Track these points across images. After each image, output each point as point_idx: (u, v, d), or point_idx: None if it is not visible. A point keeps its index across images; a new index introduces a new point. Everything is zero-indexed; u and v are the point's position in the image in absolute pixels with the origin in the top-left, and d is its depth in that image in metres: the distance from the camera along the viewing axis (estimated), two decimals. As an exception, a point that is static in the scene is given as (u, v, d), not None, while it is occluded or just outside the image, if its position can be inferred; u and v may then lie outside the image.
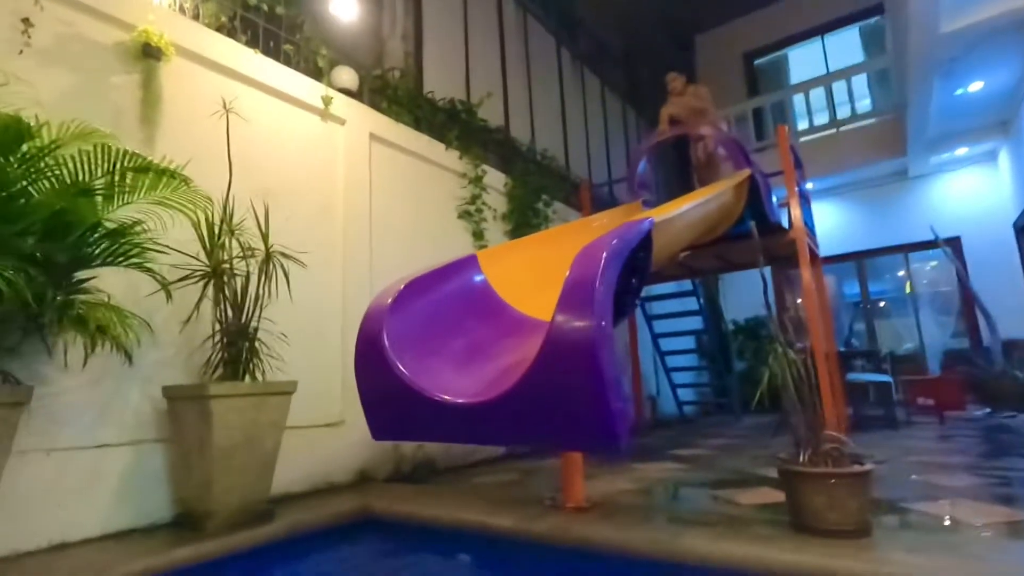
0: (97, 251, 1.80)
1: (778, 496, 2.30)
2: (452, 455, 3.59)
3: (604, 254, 1.59)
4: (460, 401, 1.67)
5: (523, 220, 4.66)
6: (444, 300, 2.26)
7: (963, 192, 7.27)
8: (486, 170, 4.35)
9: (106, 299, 1.88)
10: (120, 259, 1.86)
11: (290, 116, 3.07)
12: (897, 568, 1.35)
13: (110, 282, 2.03)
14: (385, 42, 4.05)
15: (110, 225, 1.84)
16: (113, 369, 2.15)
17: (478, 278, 2.45)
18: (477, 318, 2.30)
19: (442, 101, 4.29)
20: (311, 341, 2.90)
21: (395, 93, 3.85)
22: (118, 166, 1.72)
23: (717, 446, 4.16)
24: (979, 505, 2.03)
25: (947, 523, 1.83)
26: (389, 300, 2.02)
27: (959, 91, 5.56)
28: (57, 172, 1.70)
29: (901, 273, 8.00)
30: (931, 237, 6.92)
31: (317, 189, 3.14)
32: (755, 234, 2.37)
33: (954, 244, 7.07)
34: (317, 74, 3.28)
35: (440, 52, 4.56)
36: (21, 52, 2.05)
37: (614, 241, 1.69)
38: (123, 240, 1.83)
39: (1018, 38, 4.58)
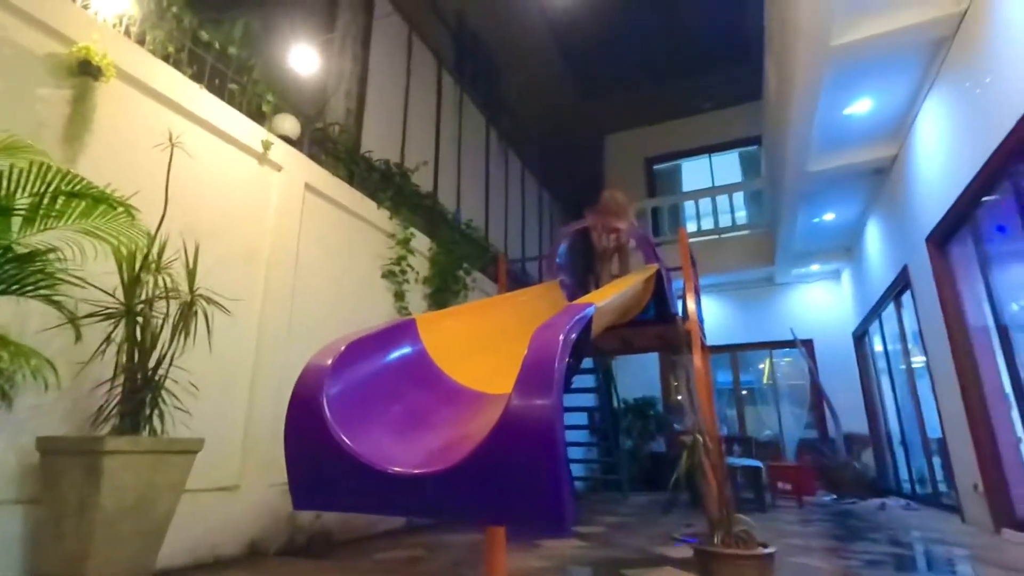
0: (0, 277, 1.59)
1: (683, 576, 2.43)
2: (351, 527, 3.36)
3: (561, 336, 1.70)
4: (404, 471, 1.63)
5: (443, 285, 4.72)
6: (383, 364, 2.21)
7: (816, 301, 8.49)
8: (414, 233, 4.41)
9: (-2, 332, 1.64)
10: (27, 288, 1.64)
11: (226, 156, 2.96)
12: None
13: (-4, 311, 1.78)
14: (329, 97, 4.08)
15: (20, 250, 1.64)
16: (-23, 413, 1.84)
17: (416, 344, 2.44)
18: (414, 385, 2.27)
19: (378, 162, 4.35)
20: (215, 395, 2.66)
21: (334, 147, 3.85)
22: (51, 188, 1.56)
23: (612, 524, 4.28)
24: (849, 586, 2.30)
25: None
26: (329, 360, 1.95)
27: (816, 219, 6.64)
28: (-29, 185, 1.51)
29: (761, 366, 9.02)
30: (791, 337, 7.94)
31: (243, 233, 3.00)
32: (680, 323, 2.60)
33: (808, 345, 8.15)
34: (259, 118, 3.21)
35: (380, 114, 4.66)
36: (-62, 47, 1.84)
37: (567, 324, 1.80)
38: (34, 268, 1.63)
39: (861, 184, 5.64)
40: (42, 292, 1.69)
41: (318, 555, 2.84)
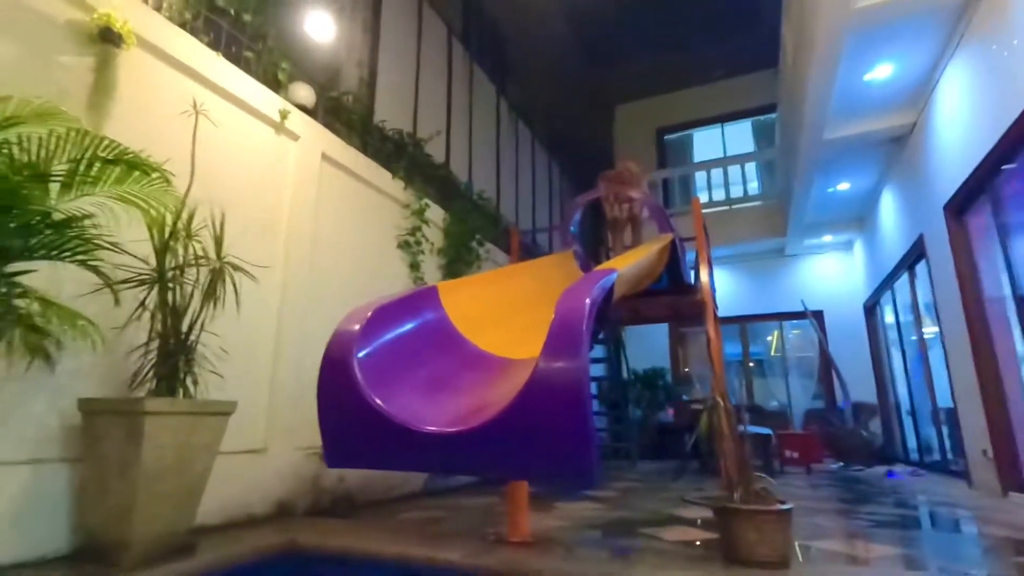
0: (41, 242, 1.62)
1: (698, 534, 2.51)
2: (372, 490, 3.47)
3: (587, 300, 1.73)
4: (438, 430, 1.69)
5: (457, 256, 4.75)
6: (407, 330, 2.26)
7: (827, 273, 8.45)
8: (428, 203, 4.41)
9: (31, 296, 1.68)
10: (65, 254, 1.68)
11: (244, 125, 2.96)
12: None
13: (30, 277, 1.81)
14: (341, 65, 4.04)
15: (58, 216, 1.68)
16: (18, 376, 1.90)
17: (438, 310, 2.48)
18: (438, 350, 2.32)
19: (391, 131, 4.33)
20: (241, 361, 2.73)
21: (348, 116, 3.84)
22: (88, 154, 1.58)
23: (624, 488, 4.38)
24: (862, 543, 2.37)
25: (845, 556, 2.11)
26: (357, 326, 2.00)
27: (830, 189, 6.57)
28: (7, 152, 1.53)
29: (770, 338, 9.05)
30: (801, 308, 7.94)
31: (263, 203, 3.02)
32: (706, 291, 2.61)
33: (819, 317, 8.15)
34: (275, 86, 3.20)
35: (392, 84, 4.61)
36: (-35, 14, 1.84)
37: (593, 289, 1.83)
38: (72, 233, 1.67)
39: (878, 152, 5.56)
40: (80, 257, 1.73)
41: (343, 515, 2.94)
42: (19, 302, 1.56)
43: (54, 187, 1.63)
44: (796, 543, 2.30)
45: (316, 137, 3.42)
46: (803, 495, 3.96)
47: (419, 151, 4.58)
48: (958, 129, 4.09)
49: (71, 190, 1.63)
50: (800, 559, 2.00)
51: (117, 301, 1.90)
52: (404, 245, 4.18)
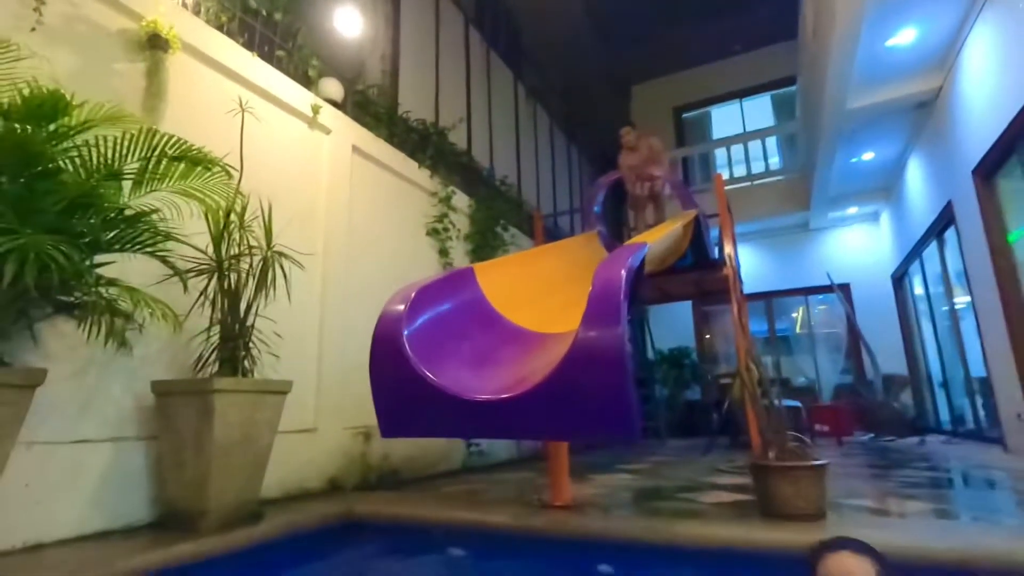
0: (117, 236, 1.77)
1: (734, 497, 2.59)
2: (414, 467, 3.62)
3: (623, 271, 1.82)
4: (486, 398, 1.80)
5: (483, 242, 4.85)
6: (447, 309, 2.37)
7: (853, 245, 8.36)
8: (454, 191, 4.52)
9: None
10: (138, 246, 1.83)
11: (281, 121, 3.09)
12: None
13: (106, 269, 1.97)
14: (365, 59, 4.14)
15: (129, 212, 1.82)
16: (98, 361, 2.07)
17: (475, 290, 2.59)
18: (477, 327, 2.43)
19: (415, 122, 4.43)
20: (291, 345, 2.87)
21: (375, 109, 3.95)
22: (156, 152, 1.72)
23: (656, 462, 4.47)
24: (896, 500, 2.43)
25: (880, 511, 2.18)
26: (402, 306, 2.12)
27: (854, 159, 6.50)
28: (85, 153, 1.67)
29: (795, 314, 9.01)
30: (827, 282, 7.89)
31: (302, 195, 3.16)
32: (730, 265, 2.67)
33: (845, 290, 8.08)
34: (305, 82, 3.32)
35: (413, 75, 4.71)
36: (33, 29, 1.98)
37: (627, 260, 1.92)
38: (143, 227, 1.81)
39: (903, 119, 5.49)
40: (150, 249, 1.87)
41: (389, 489, 3.10)
42: (107, 290, 1.71)
43: (126, 184, 1.76)
44: (832, 502, 2.37)
45: (346, 130, 3.53)
46: (836, 462, 4.00)
47: (443, 140, 4.67)
48: (986, 91, 4.03)
49: (141, 187, 1.77)
50: (834, 514, 2.08)
51: (186, 288, 2.05)
52: (433, 232, 4.30)
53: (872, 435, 6.66)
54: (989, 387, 4.80)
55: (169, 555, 1.74)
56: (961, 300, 5.52)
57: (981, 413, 5.42)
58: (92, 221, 1.67)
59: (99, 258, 1.75)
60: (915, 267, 6.85)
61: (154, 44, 2.35)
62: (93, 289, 1.64)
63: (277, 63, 3.15)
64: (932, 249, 6.01)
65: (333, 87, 3.50)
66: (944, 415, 6.68)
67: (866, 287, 8.08)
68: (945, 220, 5.24)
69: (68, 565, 1.62)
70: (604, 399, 1.64)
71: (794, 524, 1.83)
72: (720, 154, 9.24)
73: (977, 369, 5.21)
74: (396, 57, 4.50)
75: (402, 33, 4.59)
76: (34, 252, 1.30)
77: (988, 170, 4.22)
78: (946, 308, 6.02)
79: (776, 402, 2.18)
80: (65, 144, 1.61)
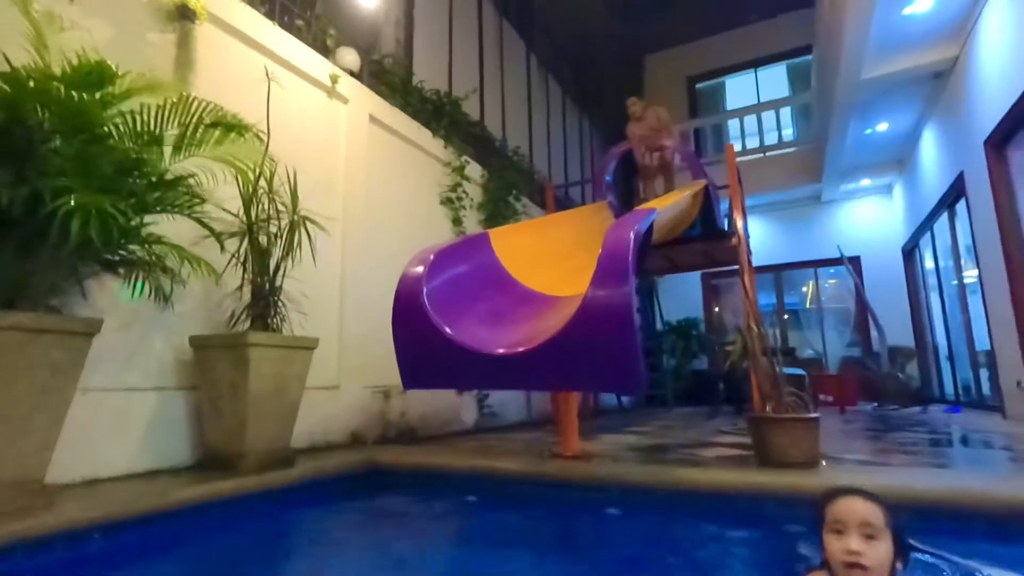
0: (158, 199, 1.90)
1: (735, 453, 2.74)
2: (429, 425, 3.80)
3: (631, 233, 1.92)
4: (503, 351, 1.94)
5: (496, 211, 4.95)
6: (464, 271, 2.50)
7: (865, 218, 8.35)
8: (468, 160, 4.60)
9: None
10: (176, 209, 1.96)
11: (301, 90, 3.18)
12: (845, 482, 1.78)
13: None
14: (380, 29, 4.19)
15: (169, 176, 1.94)
16: (142, 316, 2.23)
17: (490, 254, 2.71)
18: (492, 289, 2.56)
19: (429, 91, 4.49)
20: (314, 306, 3.02)
21: (390, 78, 4.01)
22: (194, 119, 1.83)
23: (662, 426, 4.64)
24: (889, 454, 2.57)
25: (869, 461, 2.32)
26: (422, 268, 2.25)
27: (868, 130, 6.46)
28: (130, 120, 1.79)
29: (805, 288, 9.05)
30: (837, 255, 7.91)
31: (322, 163, 3.27)
32: (740, 233, 2.76)
33: (855, 263, 8.10)
34: (324, 52, 3.40)
35: (427, 45, 4.75)
36: (72, 1, 2.08)
37: (636, 223, 2.02)
38: (182, 190, 1.94)
39: (918, 90, 5.45)
40: (186, 212, 2.00)
41: (407, 444, 3.28)
42: (156, 247, 1.85)
43: (166, 150, 1.88)
44: (827, 455, 2.51)
45: (363, 99, 3.62)
46: (836, 428, 4.14)
47: (456, 109, 4.73)
48: (1001, 60, 4.01)
49: (180, 152, 1.89)
50: (826, 463, 2.21)
51: (222, 248, 2.19)
52: (447, 201, 4.40)
53: (876, 404, 6.78)
54: (992, 359, 4.88)
55: (213, 490, 1.91)
56: (970, 274, 5.55)
57: (985, 385, 5.51)
58: (140, 183, 1.79)
59: (144, 219, 1.88)
60: (926, 240, 6.86)
61: (183, 14, 2.45)
62: (144, 247, 1.78)
63: (296, 33, 3.23)
64: (943, 221, 6.02)
65: (350, 57, 3.57)
66: (948, 386, 6.78)
67: (876, 260, 8.10)
68: (956, 191, 5.24)
69: (125, 494, 1.80)
70: (612, 352, 1.77)
71: (788, 471, 1.97)
72: (733, 125, 9.18)
73: (982, 343, 5.28)
74: (410, 26, 4.53)
75: (415, 2, 4.61)
76: (95, 209, 1.43)
77: (1000, 141, 4.22)
78: (955, 282, 6.06)
79: (776, 359, 2.29)
80: (111, 111, 1.72)
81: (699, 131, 9.21)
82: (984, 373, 5.55)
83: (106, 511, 1.62)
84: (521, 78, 6.46)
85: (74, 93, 1.53)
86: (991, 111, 4.20)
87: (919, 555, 1.31)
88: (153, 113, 1.79)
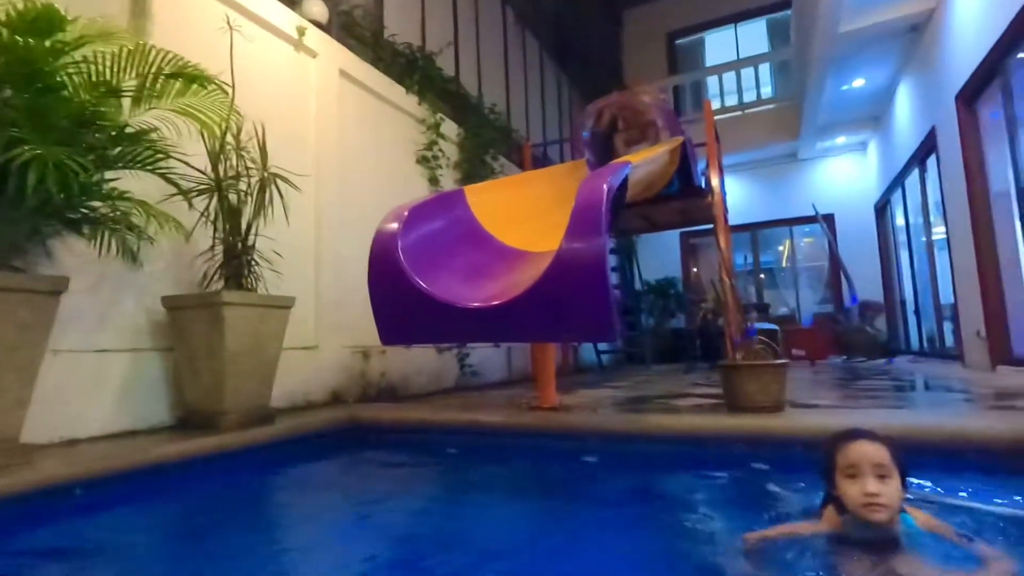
0: (119, 154, 1.84)
1: (707, 402, 2.83)
2: (410, 384, 3.84)
3: (605, 185, 1.93)
4: (478, 304, 1.96)
5: (472, 171, 4.88)
6: (439, 227, 2.49)
7: (840, 175, 8.45)
8: (443, 118, 4.51)
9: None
10: (139, 164, 1.90)
11: (267, 43, 3.06)
12: (809, 424, 1.86)
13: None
14: (349, -22, 4.01)
15: (130, 130, 1.88)
16: (111, 277, 2.18)
17: (465, 210, 2.70)
18: (467, 245, 2.56)
19: (401, 45, 4.35)
20: (288, 266, 2.98)
21: (360, 32, 3.88)
22: (153, 68, 1.76)
23: (640, 381, 4.75)
24: (851, 400, 2.68)
25: (833, 406, 2.43)
26: (396, 224, 2.23)
27: (845, 86, 6.46)
28: (84, 69, 1.71)
29: (781, 248, 9.21)
30: (812, 212, 8.02)
31: (291, 119, 3.18)
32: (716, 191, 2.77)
33: (830, 220, 8.23)
34: (289, 2, 3.26)
35: (398, -5, 4.57)
36: (13, -60, 1.95)
37: (610, 177, 2.02)
38: (145, 145, 1.88)
39: (895, 44, 5.45)
40: (150, 167, 1.95)
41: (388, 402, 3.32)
42: (121, 204, 1.80)
43: (125, 103, 1.81)
44: (793, 401, 2.61)
45: (333, 54, 3.50)
46: (805, 379, 4.29)
47: (430, 65, 4.60)
48: (975, 11, 4.02)
49: (140, 104, 1.82)
50: (792, 408, 2.31)
51: (190, 205, 2.14)
52: (423, 160, 4.32)
53: (845, 357, 7.02)
54: (956, 312, 5.06)
55: (195, 446, 1.93)
56: (939, 231, 5.69)
57: (948, 337, 5.74)
58: (98, 136, 1.73)
59: (105, 175, 1.83)
60: (897, 197, 6.99)
61: (135, -41, 2.31)
62: (108, 203, 1.73)
63: (259, -19, 3.08)
64: (914, 178, 6.12)
65: (317, 8, 3.43)
66: (914, 339, 7.03)
67: (850, 217, 8.24)
68: (928, 147, 5.32)
69: (104, 452, 1.80)
70: (586, 302, 1.80)
71: (756, 415, 2.05)
72: (713, 83, 9.10)
73: (947, 297, 5.46)
74: (380, -25, 4.35)
75: (385, -51, 4.42)
76: (52, 162, 1.38)
77: (970, 95, 4.27)
78: (923, 239, 6.21)
79: (749, 310, 2.36)
80: (63, 59, 1.64)
81: (678, 89, 9.12)
82: (948, 326, 5.77)
83: (87, 467, 1.62)
84: (497, 33, 6.28)
85: (20, 39, 1.45)
86: (963, 65, 4.23)
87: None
88: (109, 63, 1.71)
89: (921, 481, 1.45)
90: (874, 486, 1.00)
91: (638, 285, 8.58)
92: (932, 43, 4.91)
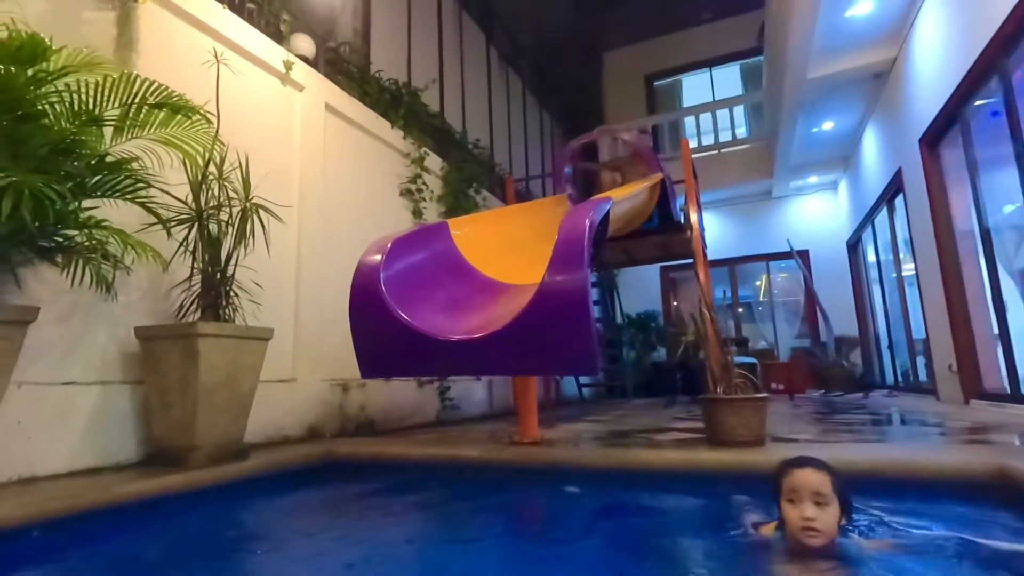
0: (99, 183, 1.82)
1: (688, 436, 2.83)
2: (390, 418, 3.77)
3: (588, 220, 1.96)
4: (460, 337, 1.94)
5: (456, 204, 4.93)
6: (422, 259, 2.49)
7: (813, 213, 8.71)
8: (427, 152, 4.56)
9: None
10: (119, 193, 1.88)
11: (253, 76, 3.09)
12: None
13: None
14: (337, 16, 4.11)
15: (111, 159, 1.86)
16: (83, 307, 2.13)
17: (448, 243, 2.71)
18: (450, 277, 2.56)
19: (387, 81, 4.43)
20: (268, 297, 2.95)
21: (347, 67, 3.94)
22: (137, 99, 1.76)
23: (620, 415, 4.73)
24: (830, 434, 2.70)
25: (814, 440, 2.44)
26: (379, 256, 2.22)
27: (815, 129, 6.73)
28: (67, 98, 1.71)
29: (758, 283, 9.40)
30: (788, 248, 8.23)
31: (276, 152, 3.19)
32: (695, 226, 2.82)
33: (804, 256, 8.45)
34: (277, 38, 3.31)
35: (385, 33, 4.68)
36: (1, -28, 1.96)
37: (592, 212, 2.06)
38: (125, 173, 1.86)
39: (861, 90, 5.72)
40: (129, 196, 1.93)
41: (367, 437, 3.24)
42: (98, 232, 1.77)
43: (107, 132, 1.81)
44: (773, 435, 2.62)
45: (319, 87, 3.54)
46: (784, 413, 4.32)
47: (415, 100, 4.69)
48: (934, 62, 4.25)
49: (123, 133, 1.81)
50: (772, 442, 2.31)
51: (169, 234, 2.11)
52: (406, 193, 4.36)
53: (822, 391, 7.10)
54: (928, 347, 5.18)
55: (162, 484, 1.85)
56: (908, 267, 5.87)
57: (921, 371, 5.85)
58: (77, 165, 1.72)
59: (83, 203, 1.80)
60: (868, 234, 7.21)
61: (124, -8, 2.34)
62: (84, 231, 1.70)
63: (248, 16, 3.13)
64: (883, 216, 6.34)
65: (305, 43, 3.49)
66: (888, 373, 7.16)
67: (824, 253, 8.46)
68: (895, 187, 5.53)
69: (66, 491, 1.72)
70: (569, 335, 1.80)
71: (736, 449, 2.05)
72: (690, 124, 9.40)
73: (919, 332, 5.59)
74: (368, 14, 4.46)
75: (373, -10, 4.54)
76: (28, 189, 1.36)
77: (933, 138, 4.48)
78: (894, 275, 6.39)
79: (728, 347, 2.38)
80: (45, 88, 1.64)
81: (657, 128, 9.41)
82: (920, 360, 5.89)
83: (42, 508, 1.55)
84: (481, 71, 6.44)
85: (1, 67, 1.44)
86: (925, 111, 4.45)
87: (859, 516, 1.40)
88: (92, 92, 1.71)
89: (894, 518, 1.45)
90: (811, 511, 1.08)
91: (619, 319, 8.63)
92: (896, 89, 5.17)
